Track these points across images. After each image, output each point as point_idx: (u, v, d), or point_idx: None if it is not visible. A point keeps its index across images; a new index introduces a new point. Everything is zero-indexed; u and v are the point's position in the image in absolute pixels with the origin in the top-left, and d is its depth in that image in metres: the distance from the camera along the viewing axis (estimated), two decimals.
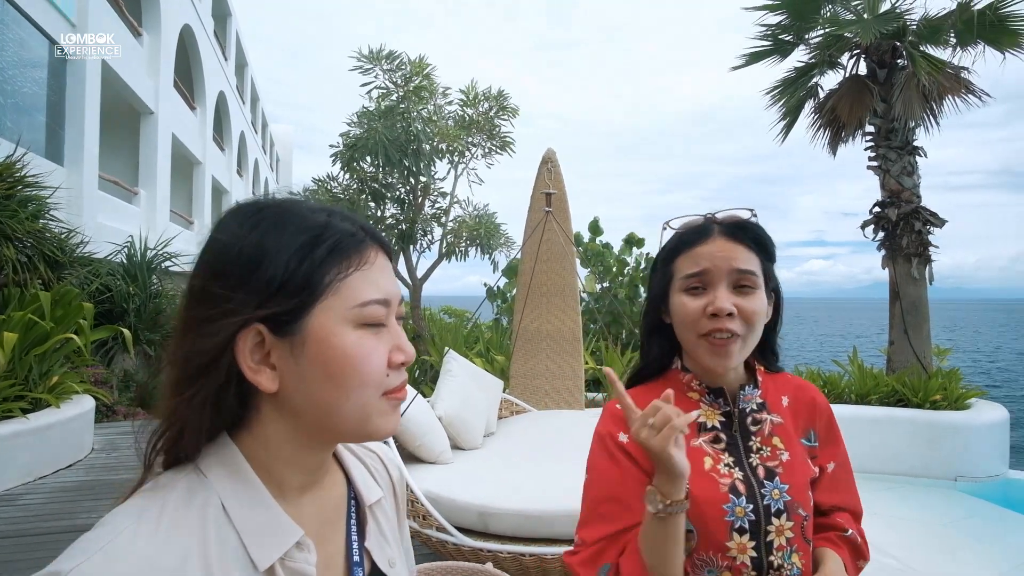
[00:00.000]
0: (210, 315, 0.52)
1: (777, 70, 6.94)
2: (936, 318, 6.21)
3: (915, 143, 6.17)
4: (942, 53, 6.01)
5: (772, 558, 0.89)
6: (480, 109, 6.74)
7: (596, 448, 0.98)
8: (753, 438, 0.96)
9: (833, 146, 6.85)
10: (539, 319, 4.83)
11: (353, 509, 0.66)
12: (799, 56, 6.81)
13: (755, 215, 0.99)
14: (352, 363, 0.54)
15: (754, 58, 6.97)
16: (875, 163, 6.31)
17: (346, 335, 0.54)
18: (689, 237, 0.96)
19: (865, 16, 6.15)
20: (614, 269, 8.40)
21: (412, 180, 6.93)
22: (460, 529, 2.51)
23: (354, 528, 0.65)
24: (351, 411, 0.55)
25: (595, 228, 8.41)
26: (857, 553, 1.03)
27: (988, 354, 36.10)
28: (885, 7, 6.16)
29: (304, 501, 0.60)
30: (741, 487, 0.91)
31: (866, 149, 6.42)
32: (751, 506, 0.90)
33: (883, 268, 6.37)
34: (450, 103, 6.78)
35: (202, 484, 0.52)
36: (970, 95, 5.78)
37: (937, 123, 6.06)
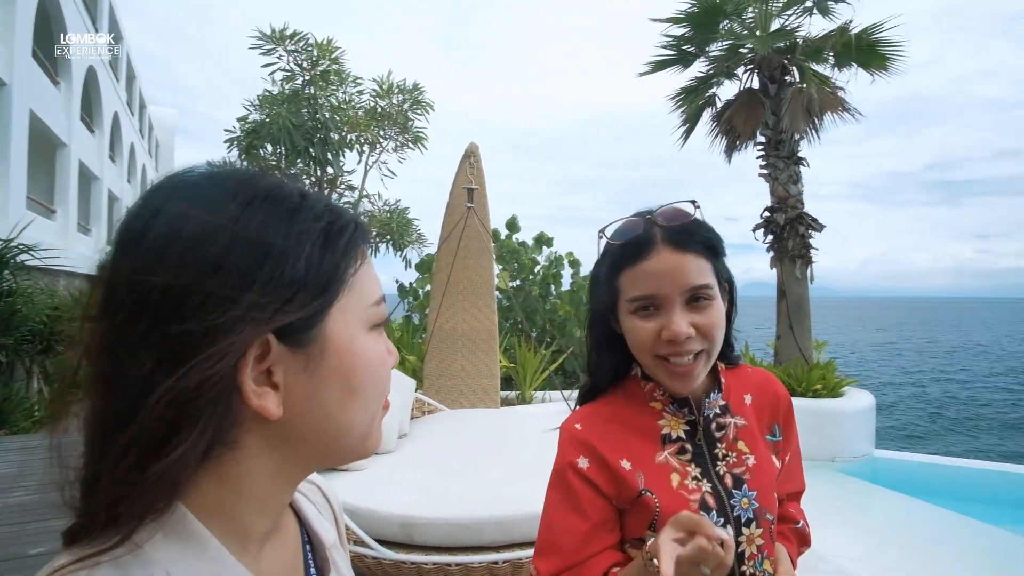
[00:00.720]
0: (215, 327, 0.38)
1: (680, 79, 7.32)
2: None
3: (799, 154, 6.75)
4: (823, 71, 6.63)
5: (744, 568, 0.88)
6: (394, 102, 6.48)
7: (555, 477, 0.92)
8: (718, 445, 0.92)
9: (729, 153, 7.35)
10: (455, 317, 4.72)
11: (309, 554, 0.55)
12: (699, 67, 7.24)
13: (698, 207, 0.91)
14: (373, 371, 0.47)
15: (659, 66, 7.31)
16: (765, 171, 6.83)
17: (364, 338, 0.46)
18: (631, 251, 0.88)
19: (758, 33, 6.64)
20: (527, 267, 8.47)
21: (318, 171, 6.54)
22: (380, 541, 2.36)
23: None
24: (362, 427, 0.47)
25: (512, 225, 8.43)
26: (803, 541, 1.07)
27: (847, 347, 40.62)
28: (775, 27, 6.68)
29: (267, 549, 0.48)
30: (711, 500, 0.88)
31: (758, 158, 6.94)
32: (722, 520, 0.87)
33: (771, 268, 6.90)
34: (361, 93, 6.47)
35: (137, 559, 0.38)
36: (846, 112, 6.42)
37: (819, 136, 6.68)
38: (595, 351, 0.99)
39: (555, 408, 4.69)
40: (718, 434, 0.93)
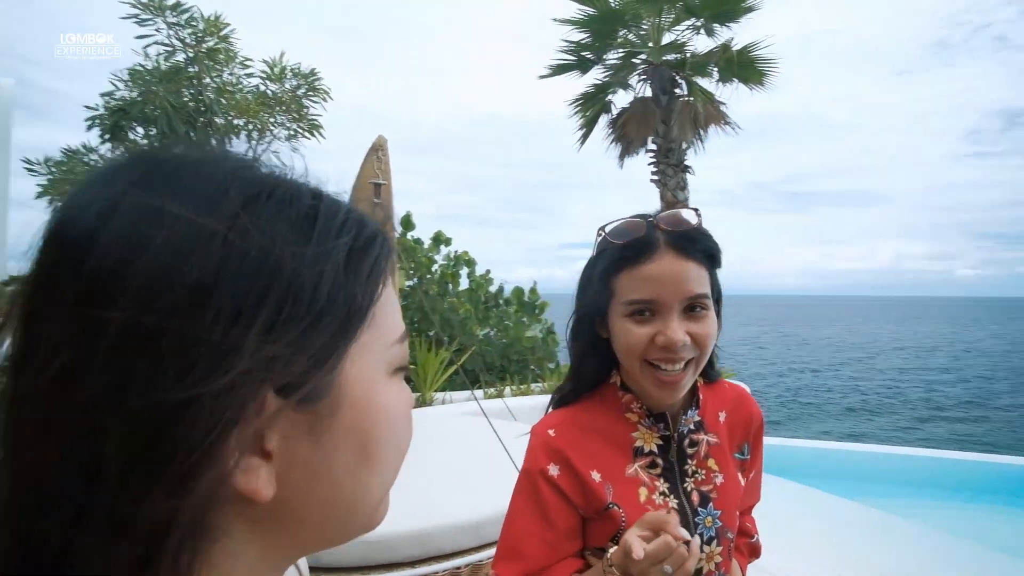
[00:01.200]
0: (201, 397, 0.25)
1: (579, 84, 7.58)
2: None
3: (686, 162, 7.24)
4: (707, 85, 7.18)
5: None
6: (286, 86, 6.02)
7: (524, 482, 0.90)
8: (689, 461, 0.93)
9: (622, 159, 7.72)
10: None
11: None
12: (596, 75, 7.53)
13: (700, 215, 0.90)
14: (397, 430, 0.36)
15: (558, 70, 7.51)
16: (656, 177, 7.25)
17: (386, 387, 0.35)
18: (632, 252, 0.86)
19: (650, 45, 7.03)
20: (424, 265, 8.33)
21: None
22: None
23: None
24: (374, 500, 0.36)
25: (407, 223, 8.26)
26: (753, 553, 1.10)
27: (718, 341, 44.43)
28: (668, 39, 7.12)
29: None
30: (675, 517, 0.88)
31: (649, 164, 7.35)
32: None
33: None
34: (250, 75, 5.93)
35: None
36: (727, 125, 6.99)
37: (704, 146, 7.21)
38: (577, 355, 0.97)
39: (461, 409, 4.63)
40: (690, 451, 0.93)
